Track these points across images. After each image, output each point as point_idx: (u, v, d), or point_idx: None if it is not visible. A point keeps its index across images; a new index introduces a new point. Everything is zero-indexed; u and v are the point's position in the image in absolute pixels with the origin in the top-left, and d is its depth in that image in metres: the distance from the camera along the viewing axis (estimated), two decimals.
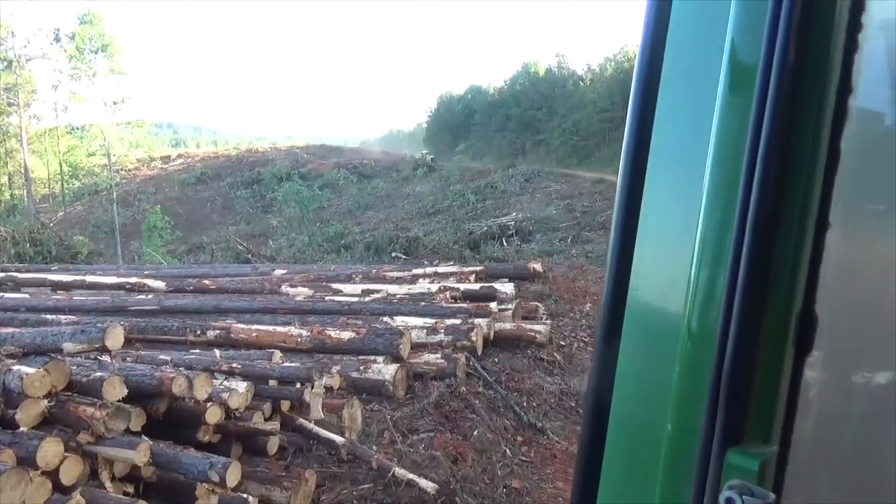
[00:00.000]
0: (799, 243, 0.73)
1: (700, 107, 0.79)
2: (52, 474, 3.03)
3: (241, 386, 3.87)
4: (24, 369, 3.35)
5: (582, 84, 46.96)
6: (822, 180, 0.73)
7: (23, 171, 34.18)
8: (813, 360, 0.74)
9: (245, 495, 3.42)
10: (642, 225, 0.85)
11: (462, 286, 7.84)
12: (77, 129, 34.93)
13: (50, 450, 3.04)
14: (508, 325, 6.67)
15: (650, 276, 0.85)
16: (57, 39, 33.07)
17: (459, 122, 57.76)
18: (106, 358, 4.07)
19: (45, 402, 3.31)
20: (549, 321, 7.20)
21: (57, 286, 9.63)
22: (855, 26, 0.72)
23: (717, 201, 0.77)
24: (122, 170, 37.43)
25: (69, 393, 3.42)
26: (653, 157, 0.85)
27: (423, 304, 7.07)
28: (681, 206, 0.82)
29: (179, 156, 53.80)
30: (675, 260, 0.80)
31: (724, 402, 0.71)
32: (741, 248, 0.71)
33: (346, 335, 5.56)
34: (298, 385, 4.18)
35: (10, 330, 5.09)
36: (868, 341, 0.75)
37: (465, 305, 6.90)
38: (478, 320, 6.23)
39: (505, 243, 18.58)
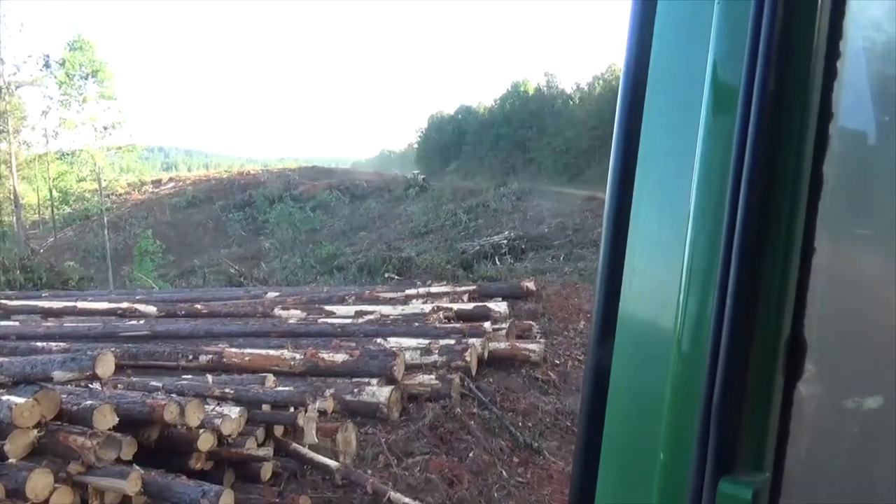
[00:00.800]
0: (785, 268, 0.74)
1: (683, 133, 0.80)
2: None
3: (233, 411, 3.84)
4: (14, 399, 3.31)
5: (571, 102, 47.32)
6: (806, 205, 0.74)
7: (12, 198, 34.00)
8: (803, 384, 0.74)
9: None
10: (630, 251, 0.86)
11: (455, 306, 7.84)
12: (67, 154, 34.83)
13: (40, 481, 3.00)
14: (503, 345, 6.65)
15: (639, 300, 0.85)
16: (47, 66, 33.12)
17: (450, 141, 57.94)
18: (97, 386, 4.04)
19: (35, 432, 3.28)
20: (543, 340, 7.19)
21: (47, 313, 9.54)
22: (833, 54, 0.73)
23: (703, 225, 0.77)
24: (112, 195, 37.35)
25: (59, 422, 3.39)
26: (639, 182, 0.86)
27: (416, 324, 7.05)
28: (667, 231, 0.82)
29: (170, 179, 53.67)
30: (663, 284, 0.81)
31: (716, 430, 0.71)
32: (728, 273, 0.72)
33: (340, 357, 5.54)
34: (292, 409, 4.15)
35: None
36: (858, 365, 0.75)
37: (458, 325, 6.89)
38: (472, 340, 6.22)
39: (498, 262, 18.60)
